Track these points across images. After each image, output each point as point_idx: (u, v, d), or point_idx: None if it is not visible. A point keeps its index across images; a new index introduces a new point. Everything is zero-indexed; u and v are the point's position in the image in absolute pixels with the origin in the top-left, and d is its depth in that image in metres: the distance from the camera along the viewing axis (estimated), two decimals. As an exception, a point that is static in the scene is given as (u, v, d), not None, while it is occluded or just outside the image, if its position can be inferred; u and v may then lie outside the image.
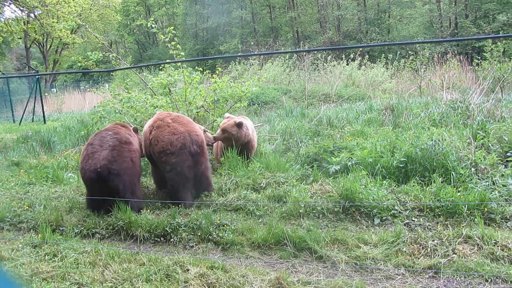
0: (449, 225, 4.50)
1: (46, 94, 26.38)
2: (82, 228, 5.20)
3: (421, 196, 5.03)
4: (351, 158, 6.20)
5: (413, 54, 15.53)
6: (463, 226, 4.42)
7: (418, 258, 4.03)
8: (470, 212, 4.65)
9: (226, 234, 4.73)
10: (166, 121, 5.83)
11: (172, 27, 8.96)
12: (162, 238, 4.91)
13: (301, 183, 5.83)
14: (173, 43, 8.54)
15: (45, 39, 41.45)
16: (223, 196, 5.78)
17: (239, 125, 6.61)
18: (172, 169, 5.57)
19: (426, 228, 4.50)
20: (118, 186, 5.34)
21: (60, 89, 35.11)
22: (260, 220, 5.05)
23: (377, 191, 5.12)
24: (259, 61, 23.56)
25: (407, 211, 4.83)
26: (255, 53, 25.82)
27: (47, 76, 37.95)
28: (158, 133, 5.72)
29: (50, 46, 44.38)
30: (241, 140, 6.72)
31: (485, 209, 4.65)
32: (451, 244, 4.13)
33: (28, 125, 17.30)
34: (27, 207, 5.83)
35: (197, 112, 8.33)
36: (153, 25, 8.96)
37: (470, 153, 5.83)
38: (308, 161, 6.75)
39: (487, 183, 5.20)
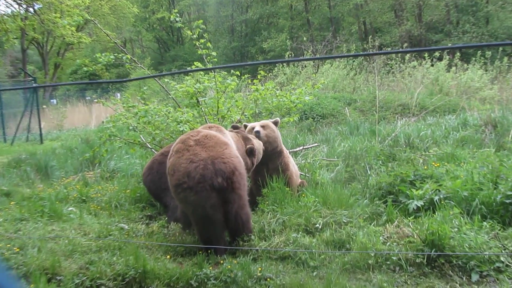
0: None
1: (44, 106, 27.49)
2: (84, 278, 5.29)
3: (538, 244, 4.81)
4: (439, 190, 6.11)
5: (522, 51, 15.08)
6: None
7: (535, 331, 3.82)
8: None
9: (269, 291, 4.68)
10: (188, 143, 5.58)
11: (201, 21, 9.16)
12: (185, 294, 4.92)
13: (370, 224, 5.75)
14: (202, 40, 8.67)
15: (45, 39, 43.65)
16: (265, 240, 5.75)
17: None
18: (193, 211, 5.46)
19: (545, 289, 4.29)
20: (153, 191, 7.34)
21: (61, 100, 36.58)
22: (315, 273, 4.98)
23: (475, 236, 4.98)
24: (314, 62, 23.61)
25: (518, 265, 4.64)
26: (306, 57, 25.85)
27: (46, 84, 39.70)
28: (175, 160, 5.52)
29: (51, 47, 46.60)
30: (269, 148, 6.99)
31: None
32: None
33: (22, 146, 18.05)
34: (17, 250, 6.01)
35: (232, 129, 8.42)
36: (178, 19, 9.17)
37: None
38: (380, 195, 6.69)
39: None
